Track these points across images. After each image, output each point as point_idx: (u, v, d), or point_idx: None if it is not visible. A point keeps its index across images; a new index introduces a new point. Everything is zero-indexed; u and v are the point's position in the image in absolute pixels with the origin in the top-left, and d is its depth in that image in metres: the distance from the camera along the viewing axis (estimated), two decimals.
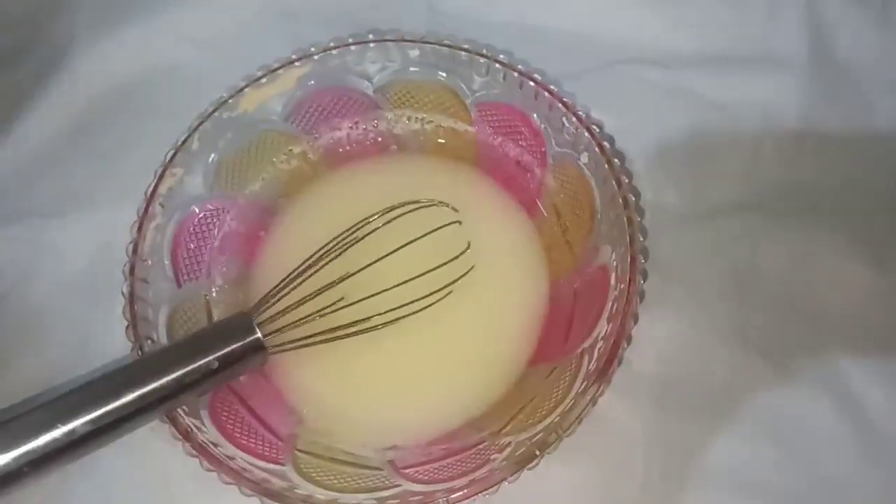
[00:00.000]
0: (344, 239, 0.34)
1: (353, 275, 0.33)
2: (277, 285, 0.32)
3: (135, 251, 0.33)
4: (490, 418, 0.34)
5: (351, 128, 0.41)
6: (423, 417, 0.35)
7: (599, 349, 0.32)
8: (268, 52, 0.39)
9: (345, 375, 0.36)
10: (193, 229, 0.37)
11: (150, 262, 0.34)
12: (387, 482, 0.31)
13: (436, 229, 0.35)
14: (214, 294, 0.37)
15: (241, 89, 0.37)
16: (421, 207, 0.36)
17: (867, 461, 0.35)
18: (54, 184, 0.42)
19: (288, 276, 0.33)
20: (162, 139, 0.36)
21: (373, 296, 0.33)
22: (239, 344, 0.30)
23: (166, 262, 0.35)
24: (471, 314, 0.36)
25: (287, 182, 0.40)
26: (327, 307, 0.32)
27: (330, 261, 0.33)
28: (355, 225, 0.34)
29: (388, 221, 0.34)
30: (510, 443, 0.31)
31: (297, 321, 0.32)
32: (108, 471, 0.35)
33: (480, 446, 0.32)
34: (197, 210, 0.37)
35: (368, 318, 0.33)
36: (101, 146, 0.43)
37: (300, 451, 0.33)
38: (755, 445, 0.35)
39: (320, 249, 0.33)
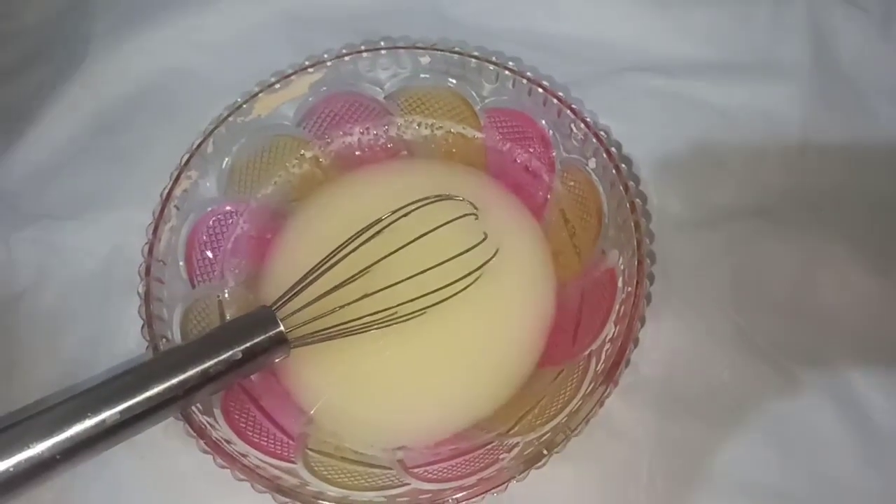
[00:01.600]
0: (362, 234, 0.34)
1: (373, 265, 0.33)
2: (299, 280, 0.33)
3: (150, 252, 0.34)
4: (498, 419, 0.34)
5: (362, 133, 0.41)
6: (432, 419, 0.36)
7: (607, 351, 0.32)
8: (281, 59, 0.40)
9: (354, 377, 0.36)
10: (207, 231, 0.37)
11: (164, 262, 0.34)
12: (396, 481, 0.32)
13: (456, 218, 0.36)
14: (227, 295, 0.37)
15: (255, 95, 0.38)
16: (438, 201, 0.36)
17: (871, 465, 0.35)
18: (69, 186, 0.43)
19: (309, 272, 0.33)
20: (176, 143, 0.37)
21: (395, 284, 0.33)
22: (263, 336, 0.31)
23: (181, 263, 0.35)
24: (480, 317, 0.37)
25: (299, 186, 0.41)
26: (351, 301, 0.33)
27: (348, 254, 0.34)
28: (373, 222, 0.34)
29: (406, 215, 0.35)
30: (518, 443, 0.31)
31: (319, 315, 0.32)
32: (119, 470, 0.35)
33: (489, 446, 0.33)
34: (211, 213, 0.37)
35: (393, 309, 0.33)
36: (115, 150, 0.44)
37: (311, 449, 0.33)
38: (759, 449, 0.36)
39: (340, 245, 0.34)
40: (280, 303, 0.32)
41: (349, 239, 0.34)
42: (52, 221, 0.41)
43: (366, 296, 0.33)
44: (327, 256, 0.34)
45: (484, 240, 0.36)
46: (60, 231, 0.41)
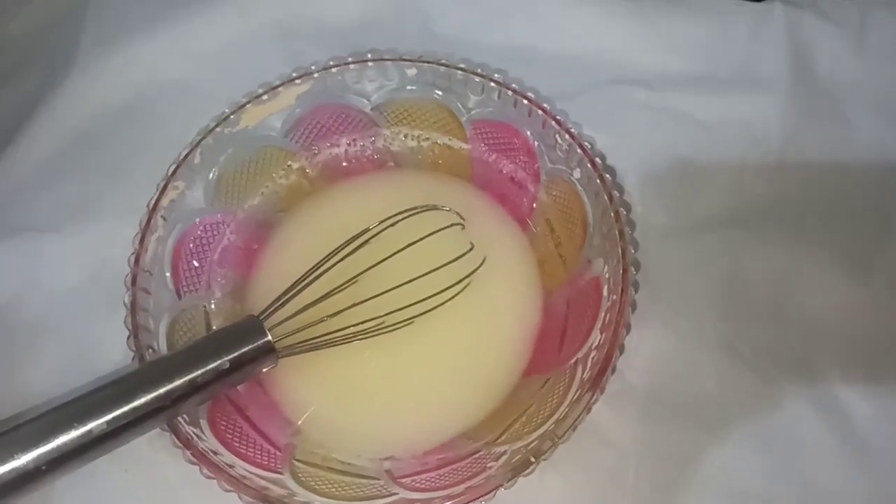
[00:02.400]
0: (349, 244, 0.34)
1: (360, 275, 0.34)
2: (287, 290, 0.33)
3: (137, 262, 0.34)
4: (486, 428, 0.35)
5: (349, 144, 0.42)
6: (419, 429, 0.36)
7: (593, 358, 0.32)
8: (268, 71, 0.40)
9: (340, 388, 0.36)
10: (194, 242, 0.37)
11: (151, 273, 0.34)
12: (384, 490, 0.32)
13: (442, 228, 0.36)
14: (213, 306, 0.37)
15: (243, 105, 0.38)
16: (424, 211, 0.36)
17: (853, 470, 0.36)
18: (55, 198, 0.42)
19: (296, 282, 0.33)
20: (163, 155, 0.37)
21: (382, 294, 0.33)
22: (250, 346, 0.31)
23: (167, 273, 0.35)
24: (466, 327, 0.37)
25: (286, 197, 0.41)
26: (338, 311, 0.33)
27: (335, 265, 0.34)
28: (360, 232, 0.34)
29: (393, 224, 0.35)
30: (506, 451, 0.32)
31: (307, 324, 0.32)
32: (104, 483, 0.35)
33: (476, 455, 0.33)
34: (198, 223, 0.37)
35: (381, 319, 0.33)
36: (102, 162, 0.44)
37: (298, 460, 0.33)
38: (745, 456, 0.36)
39: (327, 255, 0.34)
40: (267, 312, 0.32)
41: (336, 249, 0.34)
42: (37, 233, 0.41)
43: (353, 305, 0.33)
44: (315, 266, 0.34)
45: (471, 249, 0.36)
46: (45, 243, 0.41)
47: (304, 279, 0.33)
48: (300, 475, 0.32)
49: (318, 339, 0.33)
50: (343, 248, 0.34)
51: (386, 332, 0.34)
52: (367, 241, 0.34)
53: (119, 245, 0.35)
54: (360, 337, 0.33)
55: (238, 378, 0.31)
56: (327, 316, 0.33)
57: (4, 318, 0.39)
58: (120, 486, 0.35)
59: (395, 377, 0.36)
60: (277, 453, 0.33)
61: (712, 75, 0.46)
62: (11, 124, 0.44)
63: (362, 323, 0.33)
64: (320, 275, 0.34)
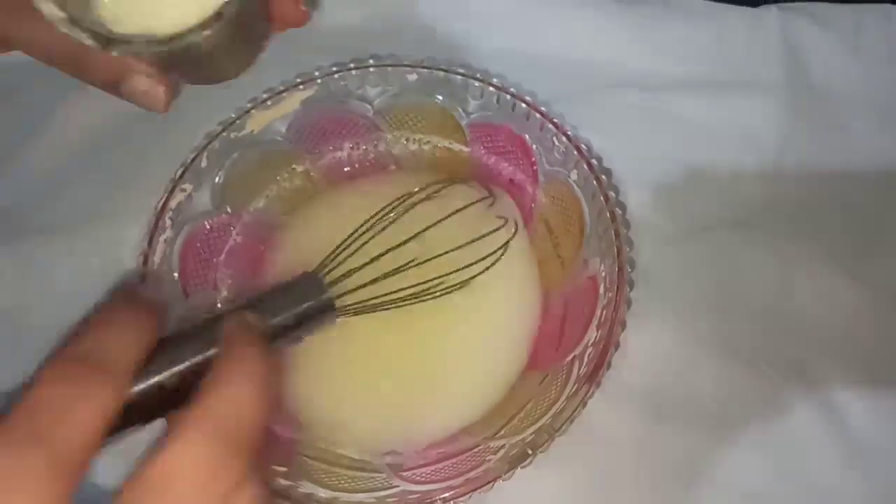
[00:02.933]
0: (386, 214, 0.35)
1: (407, 241, 0.34)
2: (338, 246, 0.33)
3: (145, 262, 0.34)
4: (485, 424, 0.35)
5: (352, 148, 0.42)
6: (420, 425, 0.36)
7: (589, 355, 0.33)
8: (271, 78, 0.41)
9: (343, 386, 0.37)
10: (201, 243, 0.38)
11: (159, 273, 0.35)
12: (386, 483, 0.32)
13: (473, 203, 0.37)
14: (220, 305, 0.38)
15: (248, 111, 0.38)
16: (447, 186, 0.38)
17: (851, 470, 0.36)
18: (65, 201, 0.43)
19: (344, 241, 0.33)
20: (169, 160, 0.37)
21: (434, 258, 0.34)
22: (312, 302, 0.29)
23: (175, 274, 0.36)
24: (468, 326, 0.37)
25: (290, 199, 0.42)
26: (395, 269, 0.33)
27: (375, 235, 0.34)
28: (401, 196, 0.36)
29: (427, 198, 0.37)
30: (504, 445, 0.32)
31: (360, 285, 0.32)
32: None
33: (476, 449, 0.33)
34: (205, 225, 0.38)
35: (428, 283, 0.34)
36: (110, 166, 0.44)
37: (301, 454, 0.34)
38: (742, 455, 0.36)
39: (367, 221, 0.35)
40: (323, 271, 0.31)
41: (373, 218, 0.35)
42: (48, 235, 0.42)
43: (402, 268, 0.33)
44: (355, 232, 0.34)
45: (505, 223, 0.38)
46: (56, 244, 0.42)
47: (350, 244, 0.33)
48: (304, 468, 0.33)
49: (374, 301, 0.32)
50: (382, 216, 0.35)
51: (431, 299, 0.34)
52: (407, 211, 0.36)
53: (128, 246, 0.36)
54: (409, 301, 0.33)
55: (298, 335, 0.30)
56: (383, 275, 0.32)
57: (14, 319, 0.40)
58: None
59: (397, 375, 0.37)
60: (282, 448, 0.34)
61: (708, 79, 0.46)
62: (23, 130, 0.45)
63: (410, 287, 0.33)
64: (366, 242, 0.34)
